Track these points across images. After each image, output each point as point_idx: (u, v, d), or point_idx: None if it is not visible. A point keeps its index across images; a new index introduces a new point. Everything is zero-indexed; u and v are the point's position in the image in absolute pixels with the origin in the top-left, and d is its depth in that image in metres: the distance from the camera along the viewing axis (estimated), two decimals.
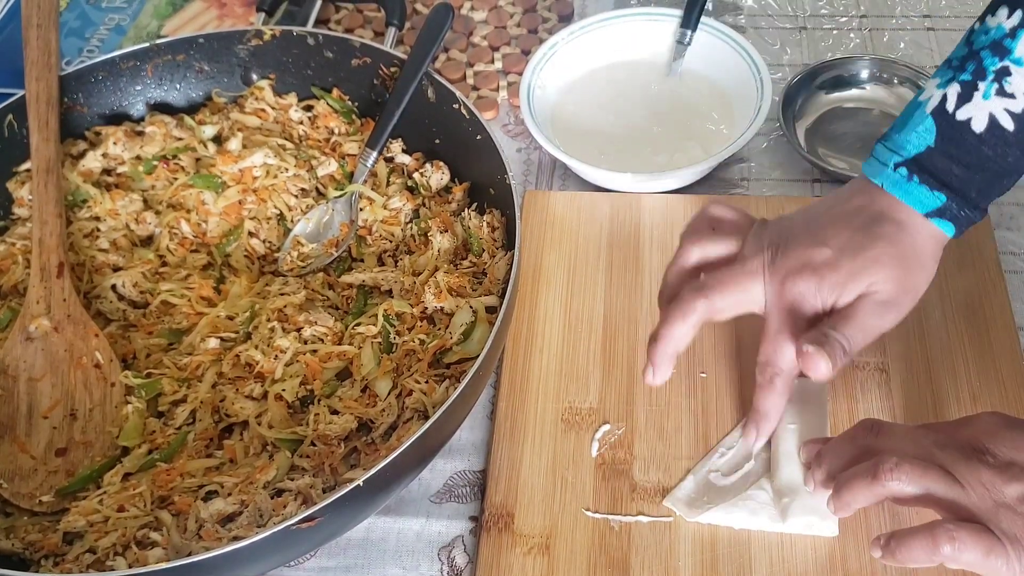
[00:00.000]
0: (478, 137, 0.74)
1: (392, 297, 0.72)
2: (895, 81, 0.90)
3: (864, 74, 0.90)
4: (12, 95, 0.79)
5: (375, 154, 0.78)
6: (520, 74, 0.91)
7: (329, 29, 1.02)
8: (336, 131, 0.83)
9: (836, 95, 0.91)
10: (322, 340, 0.69)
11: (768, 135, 0.89)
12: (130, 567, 0.58)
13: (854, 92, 0.91)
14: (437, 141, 0.80)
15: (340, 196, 0.78)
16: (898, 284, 0.61)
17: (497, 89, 0.96)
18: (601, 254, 0.80)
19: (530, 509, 0.66)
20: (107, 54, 0.83)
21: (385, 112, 0.77)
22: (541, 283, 0.78)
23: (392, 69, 0.80)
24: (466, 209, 0.75)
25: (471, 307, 0.68)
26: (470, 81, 0.97)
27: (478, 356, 0.60)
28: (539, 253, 0.80)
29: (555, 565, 0.63)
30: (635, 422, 0.70)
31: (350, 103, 0.84)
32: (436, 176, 0.78)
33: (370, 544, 0.67)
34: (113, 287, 0.74)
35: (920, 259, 0.62)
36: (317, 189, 0.80)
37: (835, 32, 0.98)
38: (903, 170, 0.62)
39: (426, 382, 0.65)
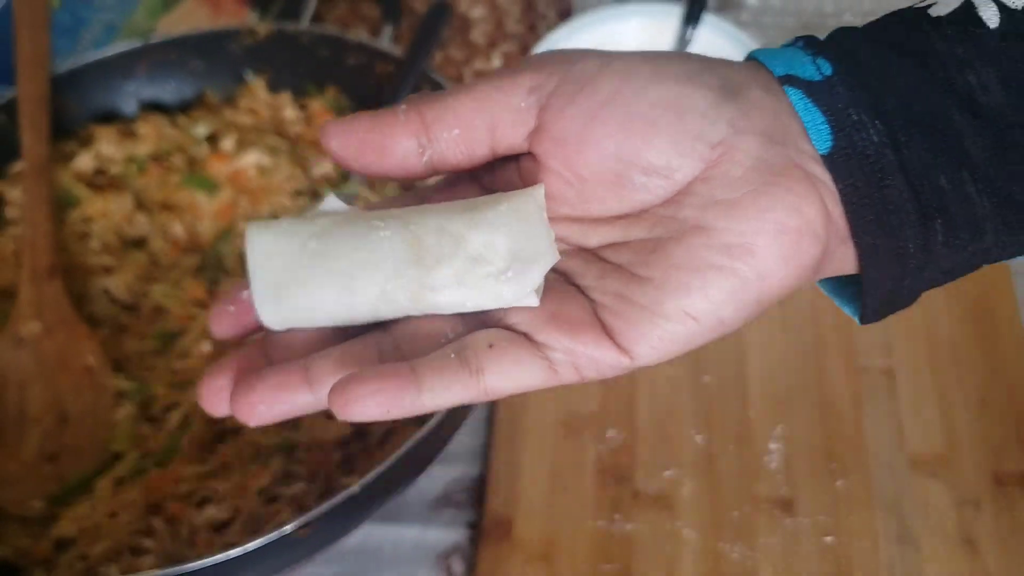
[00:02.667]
0: None
1: None
2: None
3: None
4: (3, 95, 0.78)
5: None
6: None
7: (324, 26, 1.02)
8: None
9: None
10: None
11: None
12: (123, 575, 0.58)
13: None
14: None
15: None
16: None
17: None
18: None
19: (530, 516, 0.66)
20: (99, 53, 0.83)
21: None
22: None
23: (388, 67, 0.80)
24: None
25: None
26: (468, 80, 0.97)
27: None
28: None
29: (556, 574, 0.63)
30: (637, 427, 0.69)
31: (345, 101, 0.83)
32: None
33: (366, 552, 0.66)
34: (105, 290, 0.74)
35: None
36: (313, 190, 0.80)
37: None
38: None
39: None
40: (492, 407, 0.72)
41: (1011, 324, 0.72)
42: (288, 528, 0.53)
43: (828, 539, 0.63)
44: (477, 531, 0.66)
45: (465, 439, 0.71)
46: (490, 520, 0.66)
